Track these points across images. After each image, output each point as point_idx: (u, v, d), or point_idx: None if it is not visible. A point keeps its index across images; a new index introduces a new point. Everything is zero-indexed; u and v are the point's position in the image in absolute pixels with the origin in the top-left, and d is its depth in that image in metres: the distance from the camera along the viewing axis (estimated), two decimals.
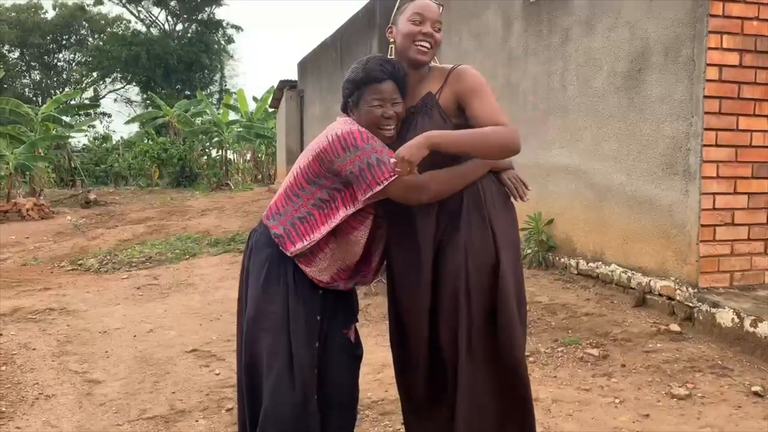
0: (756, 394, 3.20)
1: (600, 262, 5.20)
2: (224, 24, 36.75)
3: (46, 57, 37.06)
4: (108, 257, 7.88)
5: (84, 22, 36.32)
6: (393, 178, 2.00)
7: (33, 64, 37.25)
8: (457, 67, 2.17)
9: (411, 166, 1.91)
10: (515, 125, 2.05)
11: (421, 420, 2.27)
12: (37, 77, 37.87)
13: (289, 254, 2.15)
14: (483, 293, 2.05)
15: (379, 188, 2.02)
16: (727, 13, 4.11)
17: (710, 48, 4.10)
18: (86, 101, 31.95)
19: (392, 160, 1.95)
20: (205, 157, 24.17)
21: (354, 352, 2.34)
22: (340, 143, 2.05)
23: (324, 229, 2.11)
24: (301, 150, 15.95)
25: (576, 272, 5.49)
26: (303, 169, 2.15)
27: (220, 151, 23.48)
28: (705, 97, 4.12)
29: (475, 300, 2.05)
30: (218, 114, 22.97)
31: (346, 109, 2.23)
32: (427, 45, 2.13)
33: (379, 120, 2.10)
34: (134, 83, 36.70)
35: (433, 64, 2.22)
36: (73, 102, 24.37)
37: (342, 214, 2.11)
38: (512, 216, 2.19)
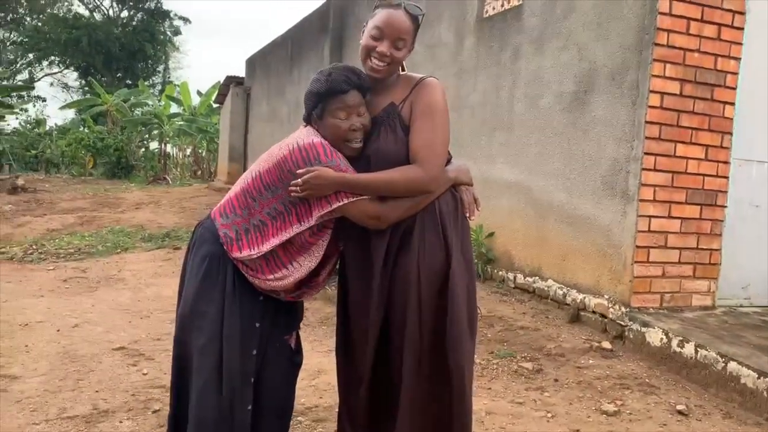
0: (680, 412, 3.30)
1: (537, 277, 5.28)
2: (171, 15, 35.94)
3: None
4: (34, 247, 7.51)
5: (23, 1, 34.80)
6: (353, 200, 1.96)
7: None
8: (425, 79, 2.10)
9: (311, 194, 1.95)
10: (437, 165, 2.01)
11: (356, 430, 2.22)
12: None
13: (231, 257, 2.08)
14: (433, 307, 2.02)
15: (335, 206, 1.98)
16: (671, 43, 4.25)
17: (654, 75, 4.23)
18: (20, 83, 30.61)
19: (307, 175, 1.94)
20: (143, 150, 23.47)
21: (293, 359, 2.28)
22: (301, 155, 1.99)
23: (274, 242, 2.04)
24: (245, 148, 15.73)
25: (513, 286, 5.56)
26: (262, 173, 2.07)
27: (160, 144, 22.86)
28: (647, 122, 4.25)
29: (425, 313, 2.02)
30: (159, 106, 22.36)
31: (309, 121, 2.14)
32: (381, 64, 2.05)
33: (346, 133, 2.03)
34: (72, 68, 35.41)
35: (402, 72, 2.16)
36: (5, 83, 23.28)
37: (295, 229, 2.04)
38: (466, 230, 2.16)
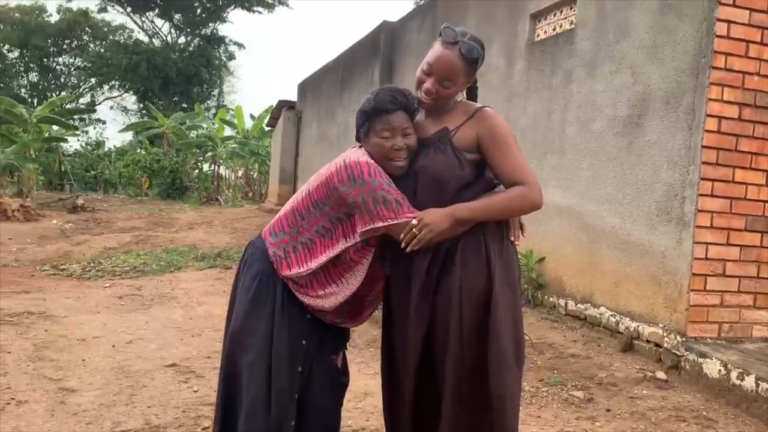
0: None
1: (589, 304, 5.18)
2: (227, 40, 36.98)
3: (45, 59, 36.98)
4: (92, 264, 7.77)
5: (87, 28, 36.36)
6: (394, 221, 1.98)
7: (32, 65, 37.17)
8: (483, 108, 2.12)
9: (430, 235, 1.95)
10: (535, 181, 2.06)
11: None
12: (35, 79, 37.75)
13: (281, 276, 2.11)
14: (475, 331, 2.00)
15: (378, 225, 1.99)
16: (729, 67, 4.16)
17: (711, 99, 4.14)
18: (82, 106, 31.87)
19: (414, 221, 1.96)
20: (197, 171, 24.08)
21: (340, 380, 2.30)
22: (346, 172, 2.02)
23: (322, 259, 2.07)
24: (296, 170, 15.97)
25: (564, 312, 5.46)
26: (311, 192, 2.12)
27: (213, 165, 23.42)
28: (703, 147, 4.15)
29: (466, 337, 2.00)
30: (214, 128, 22.94)
31: (358, 139, 2.19)
32: (428, 99, 2.09)
33: (389, 152, 2.06)
34: (132, 92, 36.68)
35: (458, 98, 2.18)
36: (68, 106, 24.27)
37: (342, 245, 2.07)
38: (511, 255, 2.14)
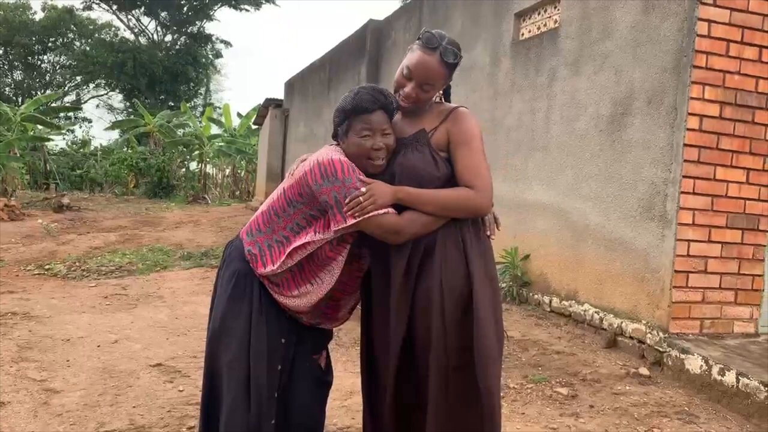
0: None
1: (573, 301, 5.22)
2: (213, 39, 36.81)
3: (30, 57, 36.64)
4: (77, 264, 7.72)
5: (72, 26, 36.06)
6: (368, 216, 1.99)
7: (16, 63, 36.81)
8: (457, 108, 2.15)
9: (372, 207, 1.96)
10: (487, 187, 2.06)
11: None
12: (19, 77, 37.41)
13: (258, 274, 2.12)
14: (458, 326, 2.03)
15: (351, 223, 2.00)
16: (710, 66, 4.20)
17: (692, 98, 4.18)
18: (67, 104, 31.63)
19: (363, 189, 1.96)
20: (184, 170, 23.97)
21: (323, 379, 2.31)
22: (320, 170, 2.03)
23: (296, 256, 2.08)
24: (283, 169, 15.94)
25: (549, 309, 5.50)
26: (286, 190, 2.13)
27: (200, 164, 23.32)
28: (685, 145, 4.19)
29: (450, 332, 2.02)
30: (200, 127, 22.84)
31: (336, 137, 2.20)
32: (406, 102, 2.12)
33: (369, 152, 2.07)
34: (118, 90, 36.46)
35: (435, 100, 2.20)
36: (54, 104, 24.08)
37: (310, 237, 2.07)
38: (488, 250, 2.17)
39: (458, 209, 2.05)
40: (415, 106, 2.14)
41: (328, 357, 2.34)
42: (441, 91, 2.20)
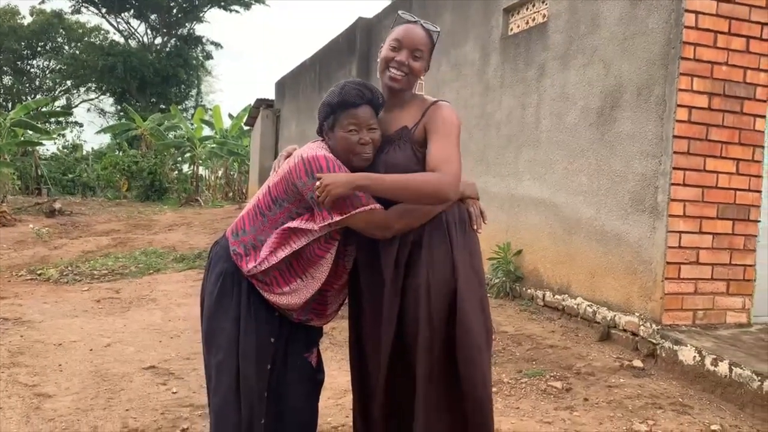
0: None
1: (566, 295, 5.22)
2: (204, 40, 36.69)
3: (19, 62, 36.41)
4: (69, 268, 7.68)
5: (61, 30, 35.85)
6: (353, 213, 1.98)
7: (5, 68, 36.53)
8: (437, 102, 2.14)
9: (328, 198, 1.93)
10: (453, 174, 2.00)
11: None
12: (8, 82, 37.17)
13: (245, 272, 2.10)
14: (445, 320, 2.03)
15: (336, 219, 1.99)
16: (698, 57, 4.21)
17: (681, 89, 4.19)
18: (58, 109, 31.48)
19: (317, 183, 1.94)
20: (176, 172, 23.89)
21: (315, 377, 2.29)
22: (304, 167, 2.01)
23: (281, 254, 2.06)
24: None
25: (542, 304, 5.50)
26: (271, 187, 2.12)
27: (192, 166, 23.25)
28: (675, 136, 4.20)
29: (437, 326, 2.02)
30: (192, 129, 22.77)
31: (321, 132, 2.18)
32: (399, 73, 2.11)
33: (355, 146, 2.06)
34: (108, 94, 36.27)
35: (417, 92, 2.20)
36: (44, 109, 23.94)
37: (302, 230, 2.05)
38: (474, 243, 2.17)
39: (422, 193, 1.97)
40: (408, 82, 2.14)
41: (319, 354, 2.33)
42: (422, 79, 2.20)
